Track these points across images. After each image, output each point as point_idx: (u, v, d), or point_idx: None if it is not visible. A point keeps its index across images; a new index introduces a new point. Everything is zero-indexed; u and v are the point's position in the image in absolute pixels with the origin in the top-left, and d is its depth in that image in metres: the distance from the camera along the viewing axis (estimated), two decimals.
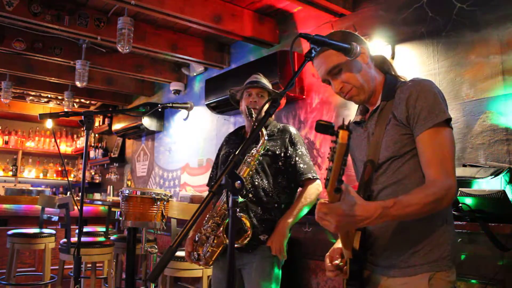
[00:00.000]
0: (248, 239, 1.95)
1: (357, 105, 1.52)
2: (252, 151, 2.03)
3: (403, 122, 1.27)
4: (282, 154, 2.12)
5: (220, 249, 1.99)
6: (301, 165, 2.11)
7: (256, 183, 2.08)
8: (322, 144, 3.28)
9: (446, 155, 1.21)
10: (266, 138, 2.04)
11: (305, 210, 2.09)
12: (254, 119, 2.09)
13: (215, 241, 1.99)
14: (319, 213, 1.10)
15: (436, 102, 1.23)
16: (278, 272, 2.07)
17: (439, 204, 1.16)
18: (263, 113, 1.21)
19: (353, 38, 1.39)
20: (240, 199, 1.96)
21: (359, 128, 1.46)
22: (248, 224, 1.96)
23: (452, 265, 1.25)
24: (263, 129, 2.04)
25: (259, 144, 2.03)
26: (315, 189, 2.12)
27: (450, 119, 1.23)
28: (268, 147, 2.12)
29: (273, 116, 2.26)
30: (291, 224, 2.04)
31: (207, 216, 2.09)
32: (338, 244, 1.40)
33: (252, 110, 2.14)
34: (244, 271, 2.07)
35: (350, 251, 1.28)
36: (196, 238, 2.09)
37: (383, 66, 1.46)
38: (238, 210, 1.96)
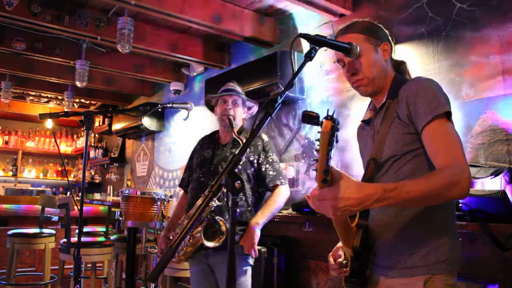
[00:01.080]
0: (221, 241, 2.08)
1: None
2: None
3: (405, 121, 1.27)
4: (255, 161, 2.27)
5: (194, 248, 2.12)
6: (271, 172, 2.26)
7: None
8: None
9: (452, 143, 1.17)
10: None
11: (275, 212, 2.25)
12: (233, 129, 2.22)
13: (190, 241, 2.12)
14: (314, 201, 1.07)
15: (435, 96, 1.23)
16: (250, 269, 2.22)
17: (449, 190, 1.09)
18: (258, 122, 1.21)
19: (379, 31, 1.41)
20: (218, 203, 2.11)
21: (367, 126, 1.47)
22: (224, 228, 2.09)
23: (451, 269, 1.23)
24: (241, 137, 2.19)
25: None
26: (284, 193, 2.27)
27: (450, 113, 1.21)
28: (242, 140, 2.23)
29: (244, 123, 2.43)
30: (261, 224, 2.18)
31: (183, 216, 2.25)
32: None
33: (233, 120, 2.26)
34: (217, 269, 2.20)
35: (351, 248, 1.27)
36: (170, 237, 2.25)
37: (399, 67, 1.46)
38: (213, 214, 2.06)
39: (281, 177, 2.27)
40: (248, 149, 2.24)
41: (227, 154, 2.29)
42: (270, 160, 2.28)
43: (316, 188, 1.07)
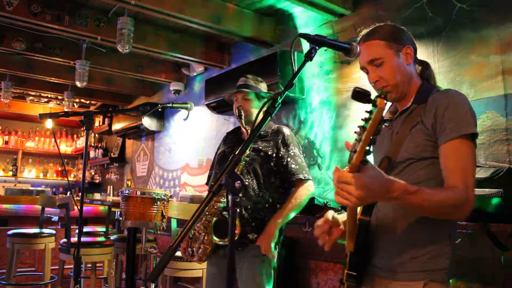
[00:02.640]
0: (236, 237, 1.95)
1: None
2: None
3: (429, 129, 1.27)
4: (274, 155, 2.16)
5: (211, 246, 2.05)
6: (293, 166, 2.14)
7: (246, 183, 2.12)
8: (322, 144, 3.28)
9: (468, 168, 1.19)
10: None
11: (295, 211, 2.13)
12: (243, 120, 2.14)
13: (206, 238, 2.04)
14: (339, 183, 1.04)
15: (466, 115, 1.23)
16: (270, 270, 2.11)
17: (457, 211, 1.15)
18: (261, 114, 1.21)
19: (402, 35, 1.40)
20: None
21: (385, 126, 1.47)
22: (237, 222, 1.96)
23: (446, 280, 1.25)
24: (249, 131, 2.07)
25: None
26: (306, 190, 2.14)
27: (476, 135, 1.22)
28: (260, 147, 2.17)
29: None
30: (280, 225, 2.07)
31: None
32: (328, 215, 1.37)
33: (242, 112, 2.17)
34: (235, 269, 2.10)
35: (354, 243, 1.27)
36: (191, 235, 2.15)
37: (424, 72, 1.45)
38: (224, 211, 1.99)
39: (304, 172, 2.15)
40: (266, 143, 2.17)
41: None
42: (292, 154, 2.16)
43: (346, 169, 1.04)
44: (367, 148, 0.95)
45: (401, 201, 1.09)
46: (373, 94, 0.97)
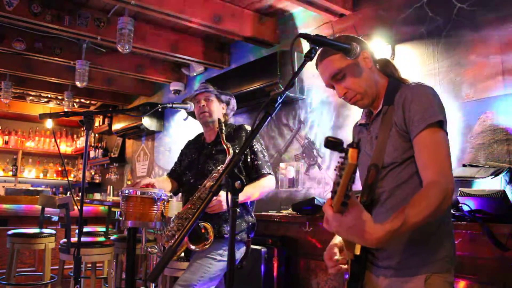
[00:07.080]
0: (206, 247, 2.04)
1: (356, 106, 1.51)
2: (219, 168, 2.18)
3: (403, 128, 1.28)
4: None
5: (183, 248, 2.10)
6: (256, 162, 2.24)
7: None
8: (322, 144, 3.28)
9: (441, 154, 1.19)
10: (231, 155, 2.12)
11: (251, 196, 2.17)
12: (222, 132, 2.17)
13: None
14: (328, 223, 1.08)
15: (429, 104, 1.23)
16: (218, 271, 2.12)
17: (442, 207, 1.14)
18: (257, 121, 1.20)
19: (357, 41, 1.39)
20: None
21: (364, 129, 1.47)
22: (211, 233, 2.04)
23: (450, 267, 1.26)
24: (230, 148, 2.13)
25: (226, 162, 2.13)
26: (267, 182, 2.21)
27: (442, 122, 1.22)
28: (229, 148, 2.21)
29: (227, 117, 2.46)
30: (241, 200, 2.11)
31: (176, 214, 2.22)
32: (335, 240, 1.42)
33: (208, 116, 2.32)
34: (193, 254, 2.17)
35: (352, 253, 1.28)
36: (170, 234, 2.20)
37: (386, 69, 1.46)
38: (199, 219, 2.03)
39: (266, 167, 2.24)
40: (232, 142, 2.22)
41: (213, 152, 2.28)
42: (255, 150, 2.25)
43: (329, 206, 1.05)
44: (347, 192, 0.95)
45: (398, 237, 1.09)
46: (346, 135, 0.95)
